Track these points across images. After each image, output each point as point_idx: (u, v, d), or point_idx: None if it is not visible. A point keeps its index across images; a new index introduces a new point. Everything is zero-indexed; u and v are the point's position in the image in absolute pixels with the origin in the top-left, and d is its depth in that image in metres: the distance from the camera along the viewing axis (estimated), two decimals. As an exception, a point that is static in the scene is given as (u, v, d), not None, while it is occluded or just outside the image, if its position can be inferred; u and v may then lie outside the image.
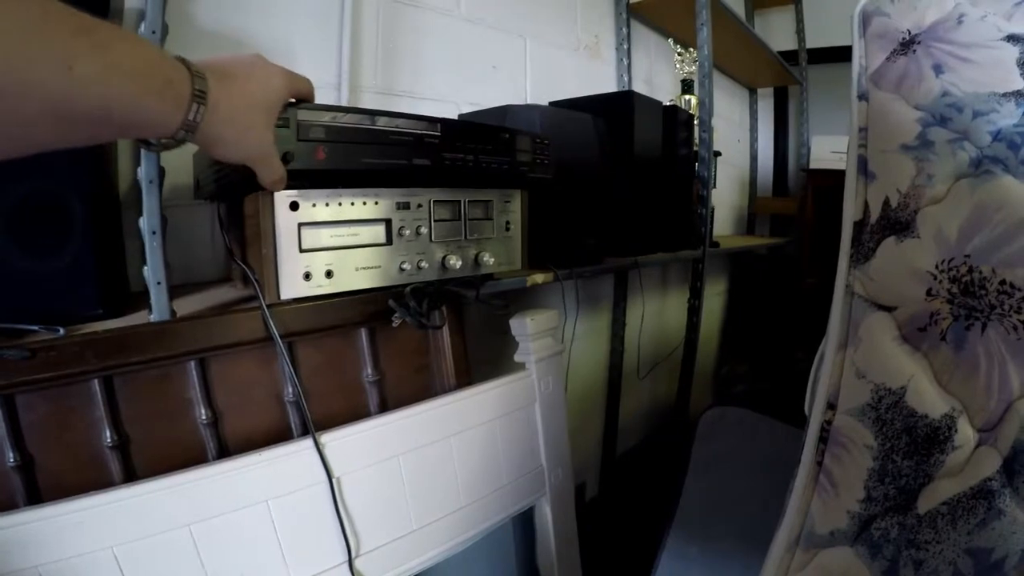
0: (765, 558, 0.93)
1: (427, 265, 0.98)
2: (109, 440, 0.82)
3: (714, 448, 1.55)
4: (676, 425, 2.14)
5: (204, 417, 0.90)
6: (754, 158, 3.30)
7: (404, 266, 0.95)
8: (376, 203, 0.92)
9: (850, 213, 0.96)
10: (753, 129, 3.30)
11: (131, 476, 0.84)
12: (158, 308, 0.85)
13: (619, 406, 2.27)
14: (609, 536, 1.79)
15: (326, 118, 0.81)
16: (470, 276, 1.05)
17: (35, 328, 0.77)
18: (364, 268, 0.92)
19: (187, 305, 0.91)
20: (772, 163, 3.43)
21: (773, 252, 3.08)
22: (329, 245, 0.89)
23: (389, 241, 0.94)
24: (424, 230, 0.97)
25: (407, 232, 0.95)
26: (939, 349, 0.86)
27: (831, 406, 0.92)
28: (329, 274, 0.89)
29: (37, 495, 0.78)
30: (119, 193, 1.00)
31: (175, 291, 0.88)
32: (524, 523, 1.26)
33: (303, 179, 0.82)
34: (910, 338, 0.88)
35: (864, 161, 0.96)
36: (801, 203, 2.92)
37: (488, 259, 1.04)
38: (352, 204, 0.90)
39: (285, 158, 0.76)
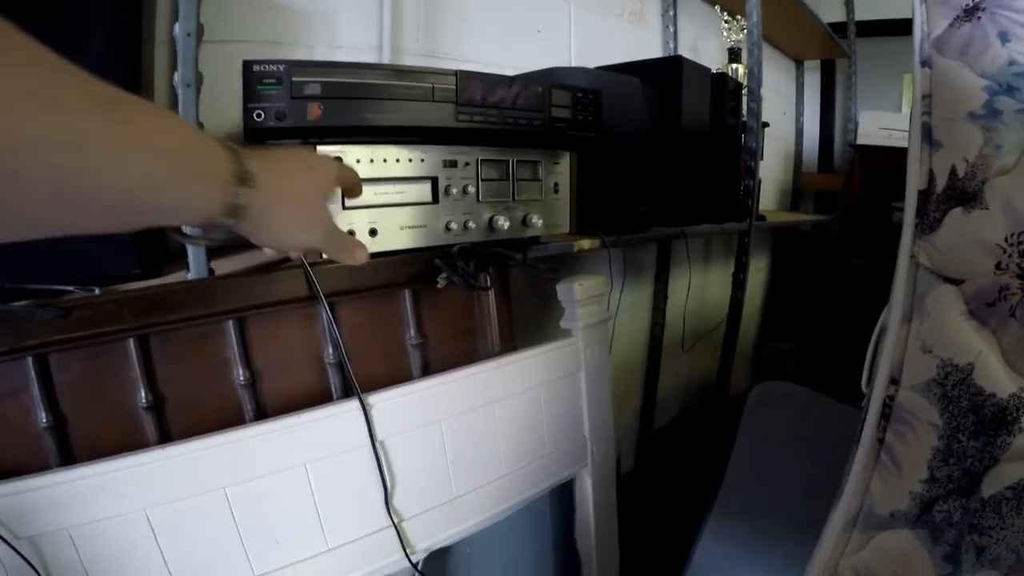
0: (819, 540, 0.90)
1: (474, 225, 0.95)
2: (144, 401, 0.81)
3: (762, 424, 1.52)
4: (716, 401, 2.10)
5: (242, 378, 0.88)
6: (799, 132, 3.22)
7: (451, 226, 0.92)
8: (422, 160, 0.90)
9: (914, 182, 0.92)
10: (799, 103, 3.21)
11: (166, 437, 0.83)
12: (196, 266, 0.83)
13: (658, 380, 2.24)
14: (645, 511, 1.76)
15: (321, 74, 0.77)
16: (517, 238, 1.02)
17: (70, 288, 0.75)
18: (409, 227, 0.90)
19: (226, 266, 0.89)
20: (818, 138, 3.34)
21: (817, 229, 3.00)
22: (373, 203, 0.86)
23: (435, 199, 0.92)
24: (472, 189, 0.94)
25: (454, 191, 0.92)
26: (1008, 326, 0.83)
27: (894, 381, 0.89)
28: (373, 232, 0.86)
29: (70, 456, 0.77)
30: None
31: (214, 253, 0.87)
32: (561, 495, 1.24)
33: (297, 136, 0.79)
34: (977, 313, 0.85)
35: (929, 129, 0.92)
36: (847, 180, 2.84)
37: (536, 221, 1.01)
38: (397, 161, 0.88)
39: (277, 115, 0.73)
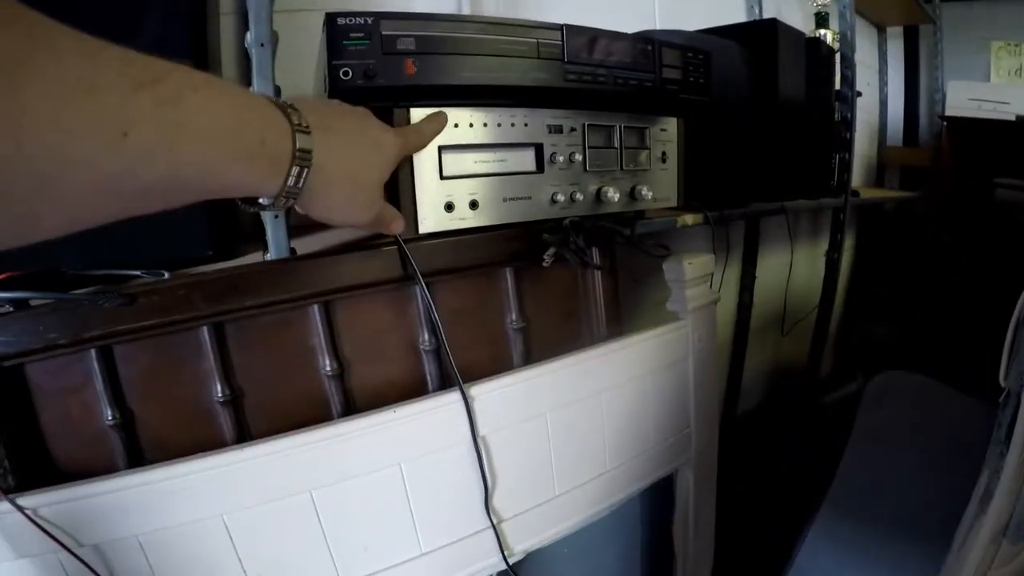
0: (955, 549, 0.80)
1: (581, 197, 0.86)
2: (220, 395, 0.75)
3: (883, 416, 1.40)
4: (807, 388, 1.99)
5: (328, 368, 0.81)
6: (883, 104, 3.03)
7: (557, 197, 0.84)
8: (525, 124, 0.81)
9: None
10: (882, 72, 3.03)
11: (244, 435, 0.77)
12: (276, 246, 0.77)
13: (743, 363, 2.13)
14: (735, 502, 1.66)
15: (414, 27, 0.69)
16: (624, 212, 0.92)
17: (137, 273, 0.70)
18: (512, 199, 0.81)
19: (308, 245, 0.82)
20: (902, 110, 3.15)
21: (902, 206, 2.83)
22: (474, 172, 0.78)
23: (540, 168, 0.83)
24: (578, 157, 0.85)
25: (560, 159, 0.84)
26: None
27: (1047, 374, 0.77)
28: (474, 205, 0.78)
29: (139, 456, 0.73)
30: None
31: (294, 231, 0.80)
32: (658, 489, 1.14)
33: (388, 97, 0.71)
34: None
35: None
36: (936, 154, 2.67)
37: (646, 193, 0.91)
38: (499, 125, 0.79)
39: (367, 73, 0.67)
